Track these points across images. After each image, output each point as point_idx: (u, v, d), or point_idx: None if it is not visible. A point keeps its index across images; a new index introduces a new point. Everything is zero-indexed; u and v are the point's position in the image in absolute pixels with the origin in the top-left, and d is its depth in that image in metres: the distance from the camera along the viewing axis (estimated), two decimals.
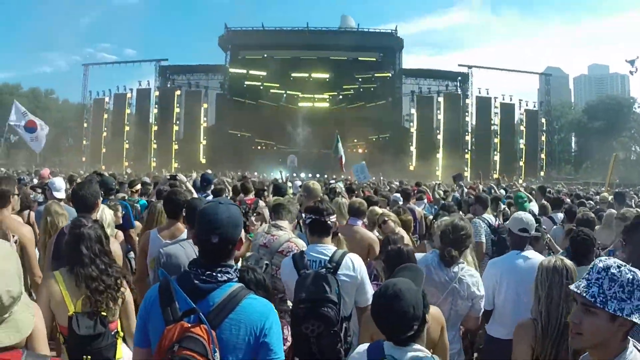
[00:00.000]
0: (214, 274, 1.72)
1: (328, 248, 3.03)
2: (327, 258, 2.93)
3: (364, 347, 2.06)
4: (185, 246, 3.28)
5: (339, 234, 3.67)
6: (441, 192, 10.15)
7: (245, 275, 2.25)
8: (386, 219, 4.84)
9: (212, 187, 7.18)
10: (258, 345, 1.69)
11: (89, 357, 2.46)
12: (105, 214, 4.29)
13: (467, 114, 40.14)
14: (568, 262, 2.58)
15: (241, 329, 1.67)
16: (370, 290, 2.96)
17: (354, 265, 2.93)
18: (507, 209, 7.09)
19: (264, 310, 1.74)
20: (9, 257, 1.29)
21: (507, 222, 3.83)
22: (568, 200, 9.21)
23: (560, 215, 6.86)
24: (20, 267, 1.33)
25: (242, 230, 1.94)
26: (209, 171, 6.80)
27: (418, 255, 3.18)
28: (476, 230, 5.36)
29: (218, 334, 1.62)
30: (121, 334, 2.70)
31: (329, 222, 3.08)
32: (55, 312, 2.55)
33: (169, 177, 6.82)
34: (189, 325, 1.59)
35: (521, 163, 40.66)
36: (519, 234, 3.55)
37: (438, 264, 3.11)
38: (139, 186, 7.67)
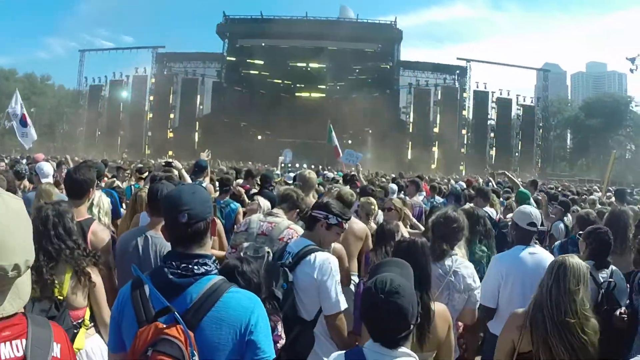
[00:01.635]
0: (190, 266, 1.56)
1: (308, 243, 2.82)
2: (296, 251, 2.75)
3: (338, 354, 1.88)
4: None
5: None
6: (462, 185, 10.07)
7: (238, 265, 2.14)
8: (392, 206, 4.75)
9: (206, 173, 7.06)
10: (244, 344, 1.53)
11: None
12: (102, 201, 4.19)
13: (464, 107, 40.21)
14: (582, 262, 2.50)
15: (223, 327, 1.51)
16: (336, 296, 2.66)
17: (314, 263, 2.67)
18: (512, 202, 7.01)
19: (248, 305, 1.57)
20: (29, 225, 1.27)
21: (512, 215, 3.70)
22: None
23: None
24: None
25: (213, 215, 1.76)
26: (204, 156, 6.70)
27: None
28: None
29: (197, 334, 1.46)
30: (87, 323, 2.55)
31: (311, 215, 2.93)
32: None
33: (163, 163, 6.72)
34: (164, 326, 1.43)
35: (516, 158, 40.82)
36: (526, 228, 3.41)
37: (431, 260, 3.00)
38: (147, 173, 7.50)
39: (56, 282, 2.40)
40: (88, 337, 2.55)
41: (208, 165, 6.74)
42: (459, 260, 3.07)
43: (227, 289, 1.56)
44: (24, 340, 1.19)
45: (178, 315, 1.44)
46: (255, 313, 1.56)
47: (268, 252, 2.95)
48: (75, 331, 2.45)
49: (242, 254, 3.07)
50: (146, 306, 1.54)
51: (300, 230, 3.30)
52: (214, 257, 1.66)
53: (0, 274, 1.15)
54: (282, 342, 2.37)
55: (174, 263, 1.57)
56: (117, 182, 7.33)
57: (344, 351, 1.89)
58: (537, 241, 3.62)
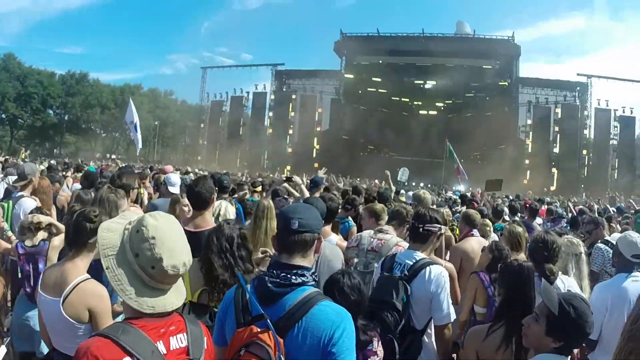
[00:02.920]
0: (289, 276, 1.68)
1: (418, 255, 2.90)
2: (410, 264, 2.83)
3: None
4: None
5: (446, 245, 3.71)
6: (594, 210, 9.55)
7: (341, 279, 2.22)
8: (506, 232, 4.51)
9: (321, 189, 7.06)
10: (325, 354, 1.60)
11: None
12: (228, 211, 4.35)
13: (585, 126, 38.11)
14: None
15: (309, 336, 1.61)
16: (446, 305, 2.77)
17: (430, 276, 2.77)
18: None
19: (335, 319, 1.65)
20: (182, 233, 1.53)
21: (618, 241, 3.46)
22: None
23: None
24: None
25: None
26: (321, 173, 6.68)
27: None
28: (596, 258, 4.88)
29: (286, 340, 1.59)
30: None
31: (424, 229, 2.94)
32: None
33: (284, 178, 6.72)
34: (258, 330, 1.58)
35: None
36: (630, 259, 3.25)
37: (539, 283, 2.79)
38: (260, 187, 7.84)
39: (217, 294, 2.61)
40: None
41: (322, 182, 6.82)
42: (567, 280, 3.08)
43: (319, 301, 1.66)
44: (185, 335, 1.49)
45: (270, 323, 1.59)
46: (340, 327, 1.63)
47: (376, 267, 3.18)
48: None
49: (352, 268, 3.39)
50: (245, 310, 1.70)
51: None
52: (312, 270, 1.75)
53: (174, 271, 1.43)
54: (377, 358, 2.35)
55: (275, 272, 1.71)
56: (248, 195, 7.35)
57: None
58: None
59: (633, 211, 9.76)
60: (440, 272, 2.83)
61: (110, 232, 1.49)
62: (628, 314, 2.85)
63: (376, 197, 6.68)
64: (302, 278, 1.70)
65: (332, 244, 3.69)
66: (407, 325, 2.72)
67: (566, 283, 3.18)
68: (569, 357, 2.00)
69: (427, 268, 2.80)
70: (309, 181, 7.83)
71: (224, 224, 2.84)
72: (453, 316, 2.85)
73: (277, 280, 1.69)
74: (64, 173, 9.84)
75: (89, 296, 2.34)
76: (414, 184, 30.02)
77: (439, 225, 2.96)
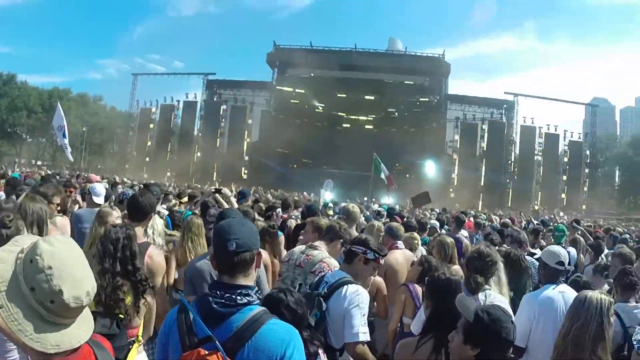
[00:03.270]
0: (234, 296, 1.64)
1: (341, 274, 2.98)
2: (331, 282, 2.90)
3: None
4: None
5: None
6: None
7: (283, 297, 2.19)
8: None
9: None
10: None
11: None
12: (156, 222, 4.23)
13: (511, 142, 39.51)
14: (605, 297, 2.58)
15: (260, 357, 1.59)
16: (357, 325, 2.79)
17: (346, 293, 2.83)
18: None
19: (285, 337, 1.63)
20: (83, 256, 1.39)
21: (541, 254, 3.75)
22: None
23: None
24: None
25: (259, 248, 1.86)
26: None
27: None
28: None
29: None
30: (140, 340, 2.74)
31: (350, 249, 3.10)
32: None
33: (213, 190, 6.78)
34: (206, 352, 1.54)
35: (563, 195, 39.72)
36: (555, 267, 3.47)
37: (465, 293, 2.98)
38: (186, 198, 7.80)
39: (121, 301, 2.60)
40: (138, 353, 2.76)
41: (250, 194, 6.85)
42: (492, 295, 3.09)
43: (266, 320, 1.63)
44: None
45: (219, 345, 1.54)
46: (291, 345, 1.62)
47: (300, 285, 3.22)
48: (129, 347, 2.65)
49: (280, 284, 3.40)
50: (190, 332, 1.64)
51: (335, 263, 3.41)
52: (256, 288, 1.74)
53: (77, 303, 1.26)
54: None
55: (218, 292, 1.65)
56: (177, 207, 7.31)
57: None
58: (563, 280, 3.68)
59: (552, 225, 10.15)
60: (356, 291, 2.86)
61: (2, 263, 1.24)
62: (554, 323, 3.13)
63: (304, 210, 6.72)
64: (248, 298, 1.66)
65: None
66: (326, 344, 2.70)
67: (490, 298, 3.14)
68: None
69: (345, 286, 2.85)
70: (237, 193, 7.86)
71: (111, 228, 2.81)
72: (364, 337, 2.83)
73: (222, 301, 1.64)
74: None
75: None
76: (348, 200, 30.10)
77: (364, 249, 3.04)
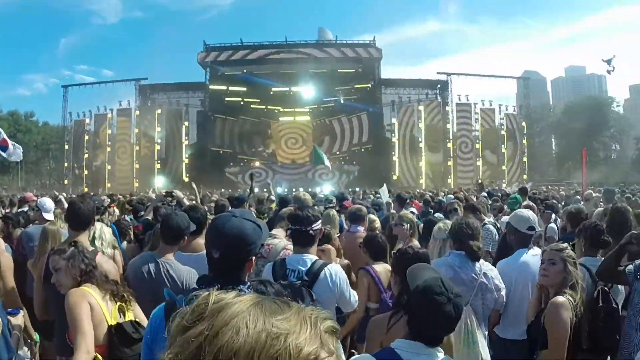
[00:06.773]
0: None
1: (309, 258, 2.86)
2: (305, 269, 2.79)
3: (367, 356, 1.90)
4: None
5: (328, 245, 3.80)
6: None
7: (263, 289, 2.17)
8: (403, 224, 4.68)
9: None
10: None
11: None
12: (104, 232, 4.17)
13: (448, 120, 40.58)
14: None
15: None
16: (351, 297, 2.95)
17: (332, 278, 2.81)
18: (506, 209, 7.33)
19: None
20: None
21: (509, 220, 3.80)
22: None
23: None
24: None
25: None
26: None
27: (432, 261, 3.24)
28: (487, 238, 5.38)
29: None
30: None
31: (310, 231, 2.88)
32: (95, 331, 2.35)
33: (164, 193, 6.85)
34: None
35: (504, 167, 41.08)
36: (526, 232, 3.53)
37: (461, 263, 3.18)
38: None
39: None
40: None
41: (247, 198, 7.23)
42: (485, 262, 3.26)
43: None
44: None
45: None
46: None
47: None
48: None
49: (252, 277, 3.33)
50: None
51: None
52: (248, 284, 1.76)
53: None
54: None
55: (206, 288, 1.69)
56: (124, 216, 7.29)
57: (373, 353, 1.91)
58: (533, 245, 3.72)
59: (500, 195, 10.55)
60: (339, 271, 2.89)
61: None
62: (531, 286, 3.25)
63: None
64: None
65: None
66: None
67: (484, 266, 3.28)
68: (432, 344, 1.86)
69: (326, 270, 2.80)
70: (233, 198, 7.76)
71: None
72: (356, 298, 3.04)
73: None
74: None
75: None
76: (294, 190, 30.28)
77: (320, 222, 2.98)
